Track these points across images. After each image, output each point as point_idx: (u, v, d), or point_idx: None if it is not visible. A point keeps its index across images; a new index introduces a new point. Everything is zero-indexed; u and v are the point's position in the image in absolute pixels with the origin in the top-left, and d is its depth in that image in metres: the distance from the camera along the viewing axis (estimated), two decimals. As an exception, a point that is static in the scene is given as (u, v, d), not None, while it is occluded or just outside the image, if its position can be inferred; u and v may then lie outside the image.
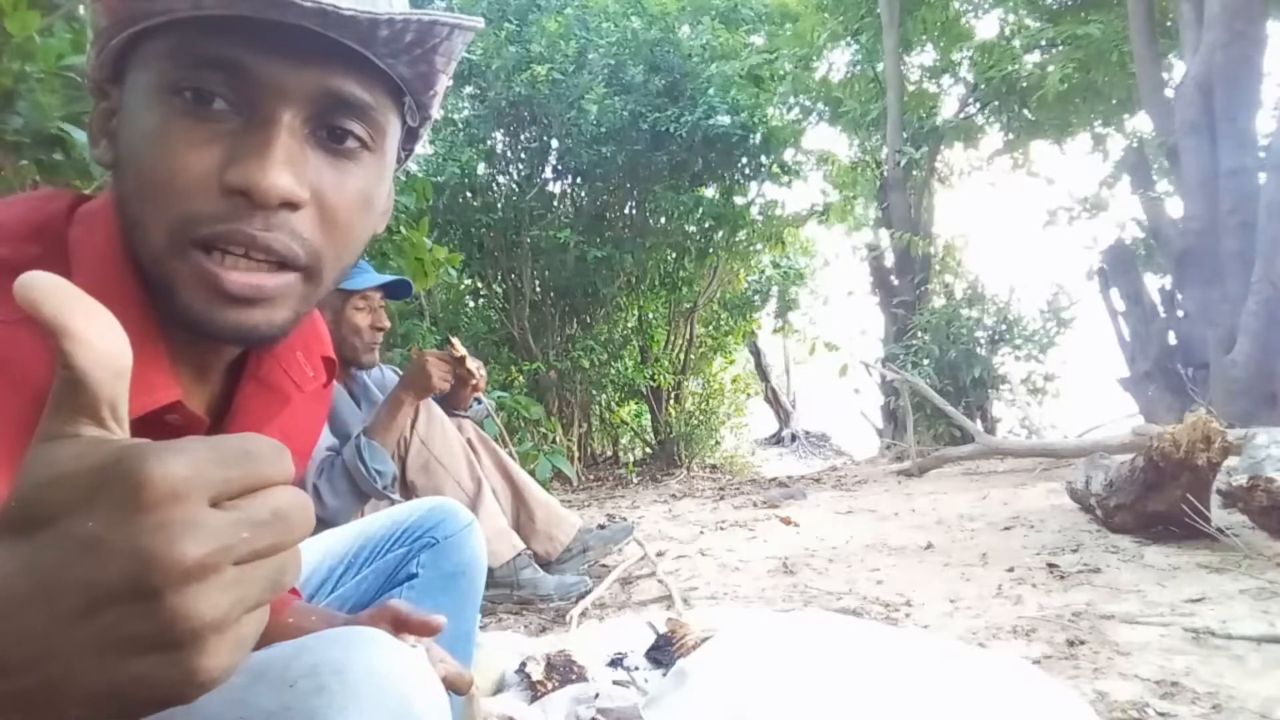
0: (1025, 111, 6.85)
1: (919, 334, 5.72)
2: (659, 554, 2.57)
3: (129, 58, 0.45)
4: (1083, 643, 1.54)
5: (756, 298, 7.38)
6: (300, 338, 0.57)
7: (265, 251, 0.43)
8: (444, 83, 0.51)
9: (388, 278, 2.01)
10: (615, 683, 1.43)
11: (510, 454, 2.42)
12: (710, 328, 7.16)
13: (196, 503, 0.27)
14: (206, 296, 0.43)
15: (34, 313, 0.27)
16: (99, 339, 0.28)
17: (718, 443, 7.21)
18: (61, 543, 0.26)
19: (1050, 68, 5.97)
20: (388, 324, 2.04)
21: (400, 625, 0.66)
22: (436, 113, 0.54)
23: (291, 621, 0.69)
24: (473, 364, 2.07)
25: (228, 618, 0.27)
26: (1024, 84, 6.33)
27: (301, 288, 0.46)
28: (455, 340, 2.06)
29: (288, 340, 0.51)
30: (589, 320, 6.37)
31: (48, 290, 0.27)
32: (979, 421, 5.38)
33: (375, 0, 0.45)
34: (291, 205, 0.44)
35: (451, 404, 2.21)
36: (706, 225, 6.14)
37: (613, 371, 6.24)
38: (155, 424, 0.46)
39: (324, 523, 1.83)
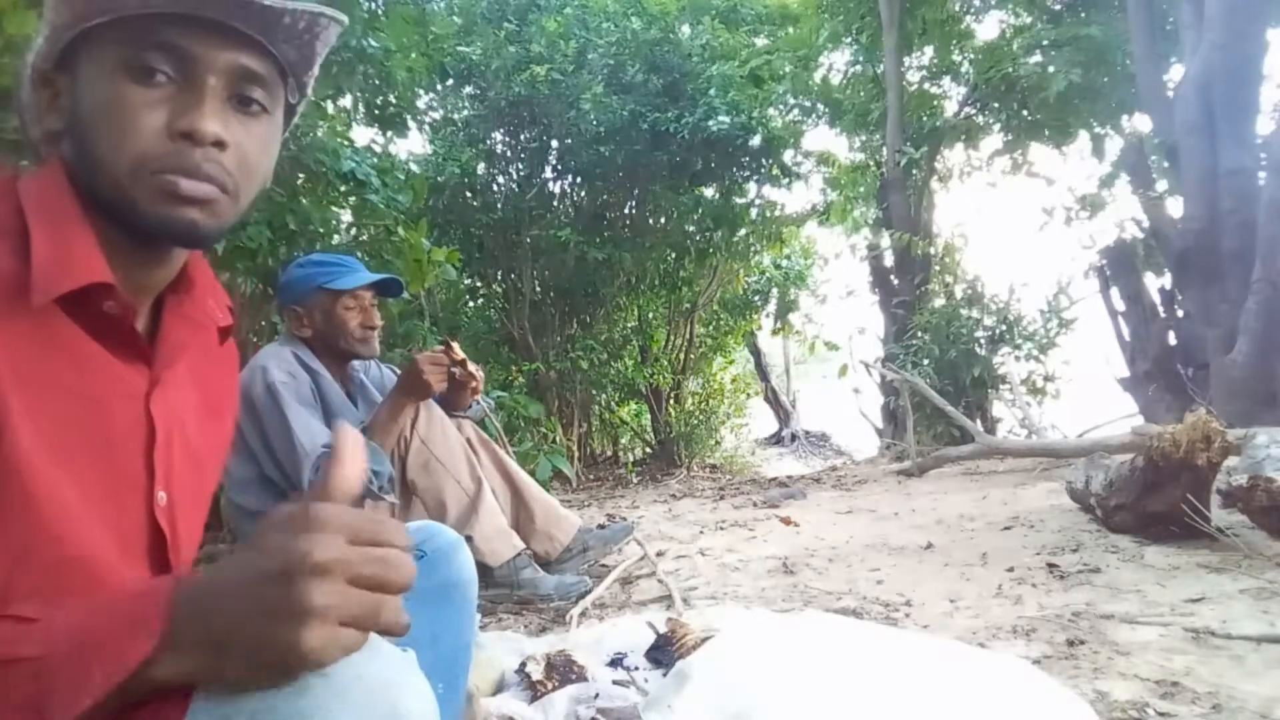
0: (1025, 112, 6.85)
1: (919, 334, 5.72)
2: (659, 554, 2.57)
3: (78, 50, 0.58)
4: (1083, 643, 1.54)
5: (756, 298, 7.38)
6: (209, 287, 0.70)
7: (205, 175, 0.58)
8: (317, 67, 0.66)
9: (377, 276, 2.00)
10: (615, 683, 1.43)
11: (508, 453, 2.42)
12: (710, 328, 7.17)
13: (336, 534, 0.44)
14: (165, 201, 0.57)
15: (339, 452, 0.51)
16: (351, 478, 0.50)
17: (718, 443, 7.21)
18: (259, 548, 0.44)
19: (1051, 68, 5.96)
20: (379, 322, 2.04)
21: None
22: (309, 94, 0.69)
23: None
24: (471, 366, 2.06)
25: (331, 612, 0.42)
26: (1024, 84, 6.33)
27: (227, 204, 0.60)
28: (454, 344, 2.06)
29: (198, 288, 0.67)
30: (589, 320, 6.37)
31: (355, 442, 0.52)
32: (979, 421, 5.38)
33: None
34: (220, 145, 0.58)
35: (451, 404, 2.20)
36: (706, 225, 6.15)
37: (612, 371, 6.24)
38: (95, 312, 0.57)
39: None
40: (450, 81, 5.52)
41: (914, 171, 6.62)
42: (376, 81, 3.02)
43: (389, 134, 3.76)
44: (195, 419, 0.68)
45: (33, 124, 0.62)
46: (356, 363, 2.11)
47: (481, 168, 5.82)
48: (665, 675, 1.40)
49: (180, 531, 0.65)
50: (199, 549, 0.74)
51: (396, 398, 1.93)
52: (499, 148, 6.03)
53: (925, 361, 5.47)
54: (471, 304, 6.29)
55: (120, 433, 0.60)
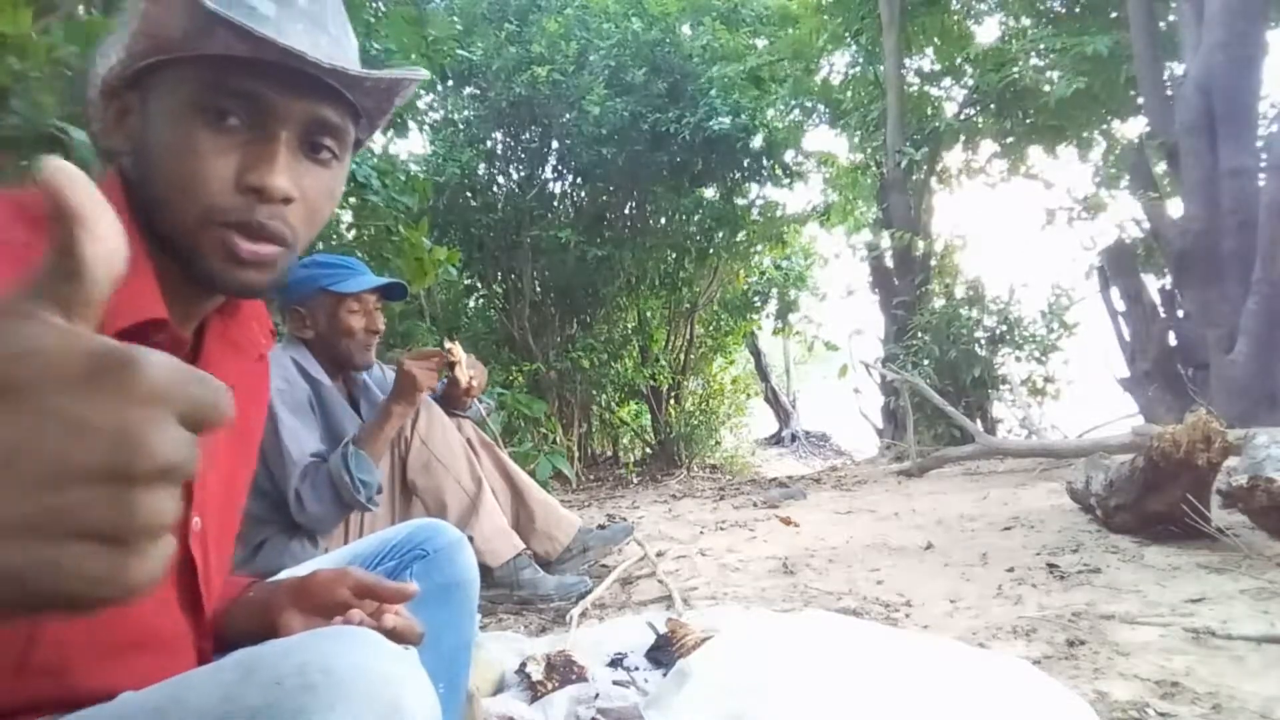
0: (1024, 115, 6.85)
1: (919, 334, 5.72)
2: (659, 554, 2.56)
3: (154, 73, 0.58)
4: (1083, 643, 1.54)
5: (756, 298, 7.38)
6: (254, 311, 0.71)
7: (268, 235, 0.59)
8: (392, 113, 0.68)
9: (382, 280, 1.98)
10: (615, 683, 1.43)
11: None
12: (710, 328, 7.16)
13: (172, 412, 0.28)
14: (225, 260, 0.58)
15: (56, 194, 0.28)
16: (107, 236, 0.29)
17: (718, 443, 7.21)
18: (37, 414, 0.26)
19: (1052, 73, 5.97)
20: (382, 326, 2.03)
21: (363, 592, 0.68)
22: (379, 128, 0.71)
23: (252, 595, 0.73)
24: (468, 371, 2.05)
25: (163, 529, 0.28)
26: (1024, 84, 6.33)
27: (285, 257, 0.61)
28: (452, 346, 2.05)
29: (243, 311, 0.68)
30: (589, 320, 6.37)
31: (74, 178, 0.29)
32: (979, 421, 5.38)
33: (340, 43, 0.60)
34: (287, 200, 0.58)
35: (451, 404, 2.20)
36: (707, 226, 6.15)
37: (613, 372, 6.24)
38: (146, 342, 0.48)
39: (305, 529, 1.84)
40: (450, 82, 5.52)
41: (914, 172, 6.62)
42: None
43: (389, 134, 3.76)
44: (227, 443, 0.69)
45: (101, 134, 0.62)
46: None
47: (482, 168, 5.82)
48: (665, 675, 1.40)
49: (211, 560, 0.66)
50: None
51: (389, 405, 1.91)
52: (499, 148, 6.03)
53: (925, 362, 5.47)
54: (471, 304, 6.29)
55: None
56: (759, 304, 7.45)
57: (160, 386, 0.27)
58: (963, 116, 7.08)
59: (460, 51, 4.85)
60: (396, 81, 0.61)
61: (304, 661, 0.46)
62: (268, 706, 0.44)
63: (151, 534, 0.27)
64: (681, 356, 6.81)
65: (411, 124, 3.67)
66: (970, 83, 7.12)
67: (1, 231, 0.48)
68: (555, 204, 6.18)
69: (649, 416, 6.85)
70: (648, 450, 6.84)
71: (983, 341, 5.65)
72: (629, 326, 6.58)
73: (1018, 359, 5.64)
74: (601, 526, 2.51)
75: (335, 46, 0.61)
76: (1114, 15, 6.04)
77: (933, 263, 6.62)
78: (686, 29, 6.26)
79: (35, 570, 0.26)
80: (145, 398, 0.27)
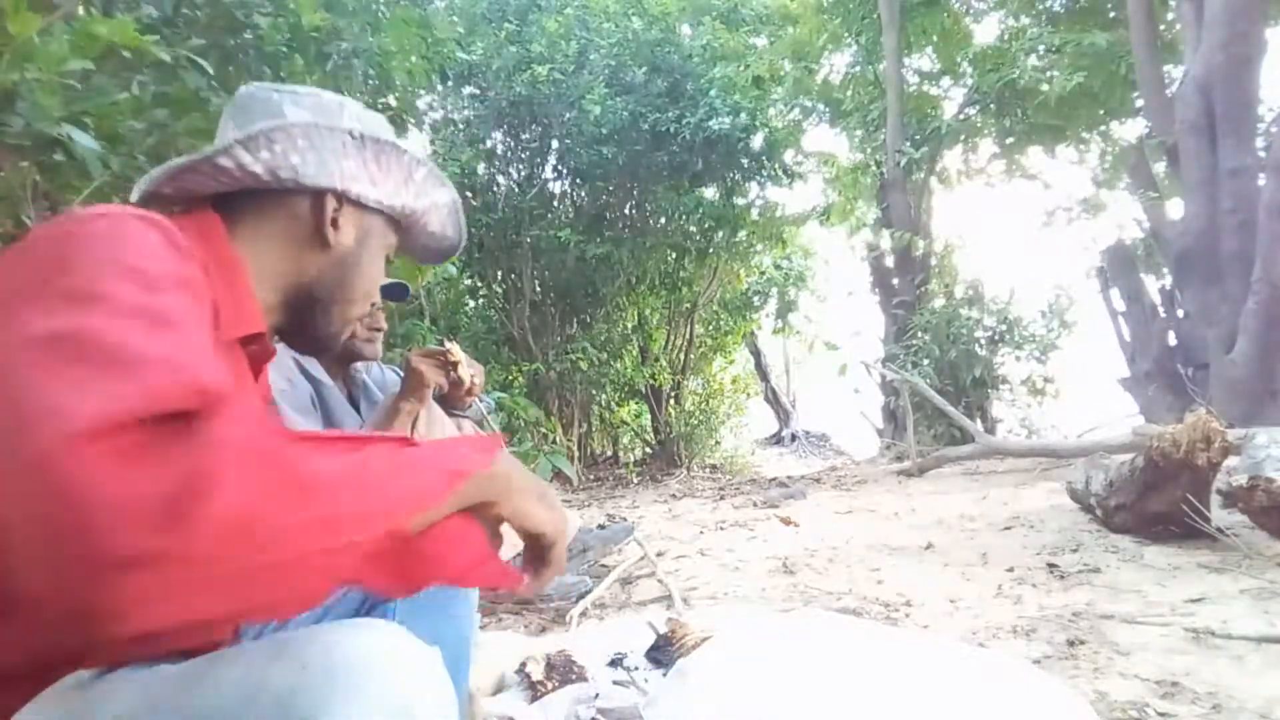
0: (1024, 114, 6.85)
1: (919, 334, 5.72)
2: (659, 554, 2.57)
3: (377, 216, 0.80)
4: (1083, 643, 1.54)
5: (756, 298, 7.38)
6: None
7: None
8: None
9: (385, 281, 2.00)
10: (615, 683, 1.43)
11: None
12: (710, 328, 7.16)
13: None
14: (350, 340, 0.85)
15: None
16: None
17: (718, 443, 7.22)
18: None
19: (1052, 72, 5.97)
20: (384, 325, 2.04)
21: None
22: None
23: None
24: (467, 371, 2.06)
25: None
26: (1023, 84, 6.33)
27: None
28: (451, 346, 2.06)
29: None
30: (589, 320, 6.36)
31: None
32: (979, 421, 5.38)
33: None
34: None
35: (451, 404, 2.20)
36: (706, 226, 6.14)
37: (612, 371, 6.24)
38: (247, 344, 0.70)
39: None
40: (450, 82, 5.52)
41: (914, 172, 6.62)
42: (376, 82, 3.02)
43: (389, 134, 3.75)
44: None
45: (322, 225, 0.76)
46: (359, 363, 2.11)
47: (482, 168, 5.82)
48: (665, 675, 1.40)
49: None
50: None
51: (396, 402, 1.92)
52: (499, 148, 6.03)
53: (925, 362, 5.47)
54: (471, 304, 6.29)
55: None
56: (759, 304, 7.45)
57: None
58: (962, 116, 7.08)
59: (460, 53, 4.85)
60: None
61: (330, 648, 0.48)
62: (292, 691, 0.46)
63: None
64: (681, 356, 6.81)
65: (411, 124, 3.67)
66: (970, 82, 7.12)
67: (180, 268, 0.57)
68: (555, 204, 6.18)
69: (649, 416, 6.86)
70: (648, 450, 6.84)
71: (983, 341, 5.65)
72: (629, 326, 6.58)
73: (1018, 359, 5.64)
74: (601, 526, 2.51)
75: None
76: (1113, 15, 6.05)
77: (933, 263, 6.63)
78: (686, 29, 6.26)
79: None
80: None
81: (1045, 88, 5.93)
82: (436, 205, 0.87)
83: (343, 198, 0.76)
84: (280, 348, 2.10)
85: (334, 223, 0.75)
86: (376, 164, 0.79)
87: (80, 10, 1.61)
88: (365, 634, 0.50)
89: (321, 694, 0.46)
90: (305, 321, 0.77)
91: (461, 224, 0.92)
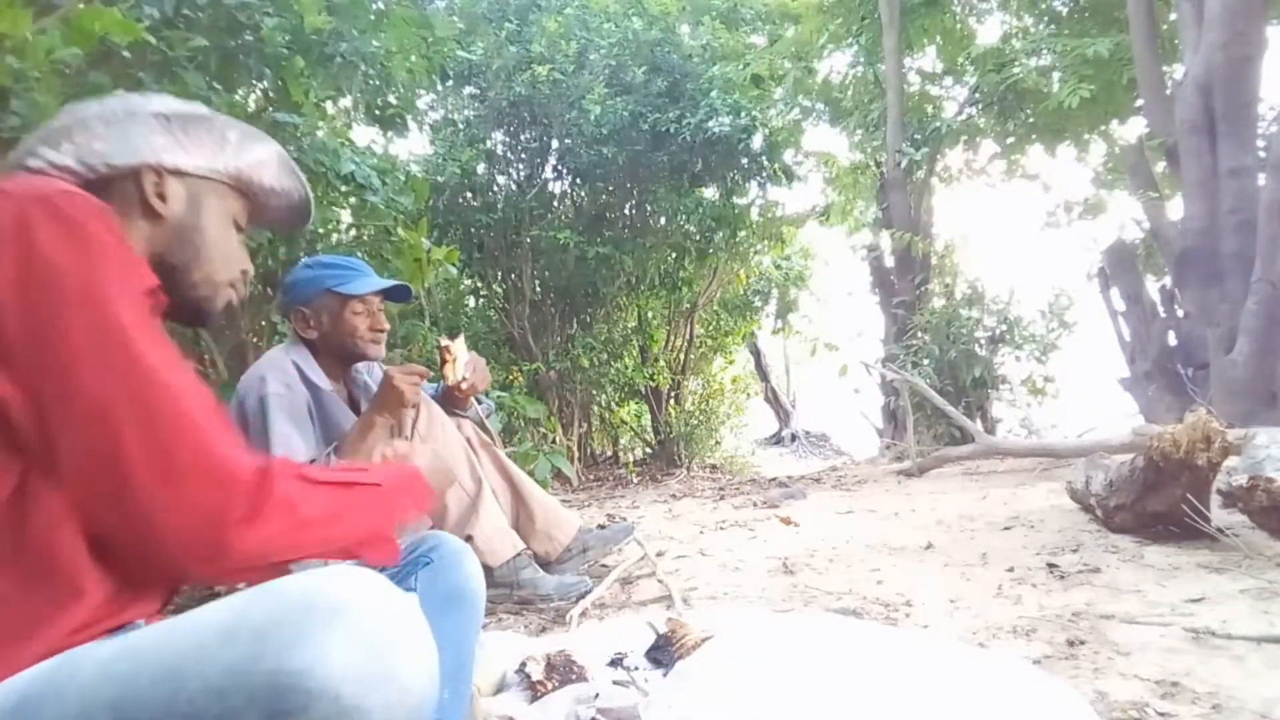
0: (1025, 115, 6.85)
1: (919, 334, 5.72)
2: (659, 554, 2.57)
3: (186, 174, 0.81)
4: (1083, 643, 1.54)
5: (756, 298, 7.37)
6: None
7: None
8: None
9: (388, 283, 1.99)
10: (615, 683, 1.43)
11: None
12: (710, 328, 7.16)
13: None
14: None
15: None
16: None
17: (718, 443, 7.21)
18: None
19: (1053, 74, 5.96)
20: (386, 326, 2.03)
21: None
22: None
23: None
24: (463, 371, 2.06)
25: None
26: (1025, 85, 6.33)
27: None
28: (450, 343, 2.05)
29: None
30: (589, 320, 6.36)
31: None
32: (979, 421, 5.38)
33: None
34: None
35: (451, 404, 2.20)
36: (706, 226, 6.14)
37: (612, 371, 6.24)
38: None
39: None
40: (450, 82, 5.52)
41: (914, 172, 6.62)
42: (376, 82, 3.02)
43: (389, 134, 3.76)
44: None
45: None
46: (360, 364, 2.11)
47: (482, 168, 5.82)
48: (665, 675, 1.40)
49: None
50: None
51: (370, 416, 1.91)
52: (499, 148, 6.02)
53: (925, 362, 5.47)
54: (471, 304, 6.28)
55: None
56: (759, 304, 7.45)
57: None
58: (963, 116, 7.08)
59: (460, 53, 4.85)
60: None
61: (310, 586, 0.50)
62: (271, 622, 0.47)
63: None
64: (681, 356, 6.81)
65: (411, 123, 3.66)
66: (971, 82, 7.12)
67: (144, 282, 0.66)
68: (555, 204, 6.17)
69: (649, 416, 6.85)
70: (648, 450, 6.84)
71: (983, 341, 5.65)
72: (629, 326, 6.57)
73: (1017, 359, 5.64)
74: (601, 526, 2.51)
75: None
76: (1115, 15, 6.04)
77: (933, 263, 6.62)
78: (686, 29, 6.26)
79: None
80: None
81: (1046, 90, 5.93)
82: (262, 161, 0.86)
83: (160, 170, 0.78)
84: (281, 353, 2.13)
85: (161, 196, 0.78)
86: (185, 133, 0.80)
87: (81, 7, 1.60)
88: (345, 575, 0.52)
89: (301, 625, 0.47)
90: (172, 292, 0.78)
91: (297, 172, 0.91)
